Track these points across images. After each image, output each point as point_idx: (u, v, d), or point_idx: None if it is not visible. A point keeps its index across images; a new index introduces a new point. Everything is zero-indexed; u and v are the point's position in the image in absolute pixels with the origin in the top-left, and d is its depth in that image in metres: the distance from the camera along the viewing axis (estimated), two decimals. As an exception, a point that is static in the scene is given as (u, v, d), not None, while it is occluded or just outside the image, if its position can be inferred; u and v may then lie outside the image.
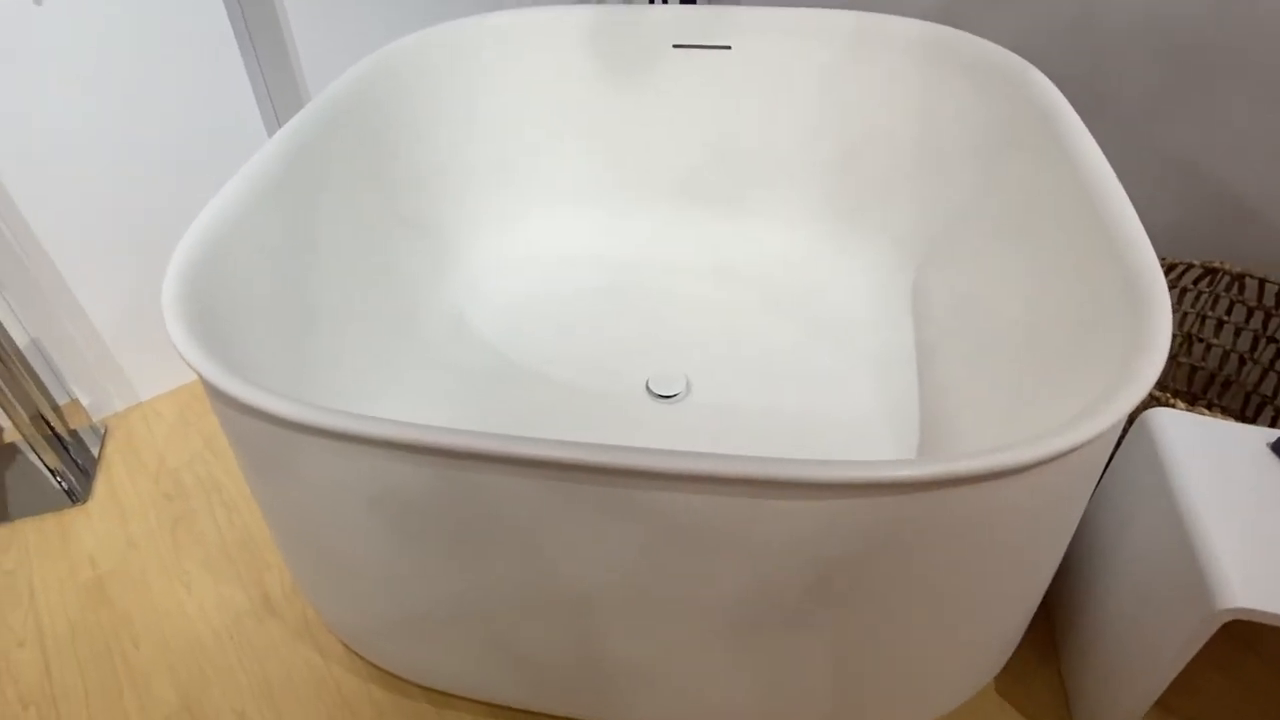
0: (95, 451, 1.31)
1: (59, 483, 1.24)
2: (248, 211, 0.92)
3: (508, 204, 1.45)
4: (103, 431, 1.34)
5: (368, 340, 1.15)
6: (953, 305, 1.14)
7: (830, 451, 1.08)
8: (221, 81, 1.22)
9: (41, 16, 1.05)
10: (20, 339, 1.32)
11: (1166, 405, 0.94)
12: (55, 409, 1.36)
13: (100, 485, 1.26)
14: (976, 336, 1.05)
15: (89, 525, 1.20)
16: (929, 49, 1.23)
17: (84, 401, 1.35)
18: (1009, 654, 0.91)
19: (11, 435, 1.35)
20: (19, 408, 1.17)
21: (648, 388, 1.20)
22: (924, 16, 1.39)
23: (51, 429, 1.28)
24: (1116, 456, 0.93)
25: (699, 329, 1.30)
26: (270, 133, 1.36)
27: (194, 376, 1.44)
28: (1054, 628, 1.00)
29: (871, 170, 1.33)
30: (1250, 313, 1.18)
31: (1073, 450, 0.61)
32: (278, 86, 1.39)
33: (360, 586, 0.83)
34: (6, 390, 1.15)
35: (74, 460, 1.28)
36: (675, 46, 1.35)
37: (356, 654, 1.02)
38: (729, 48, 1.33)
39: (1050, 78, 1.30)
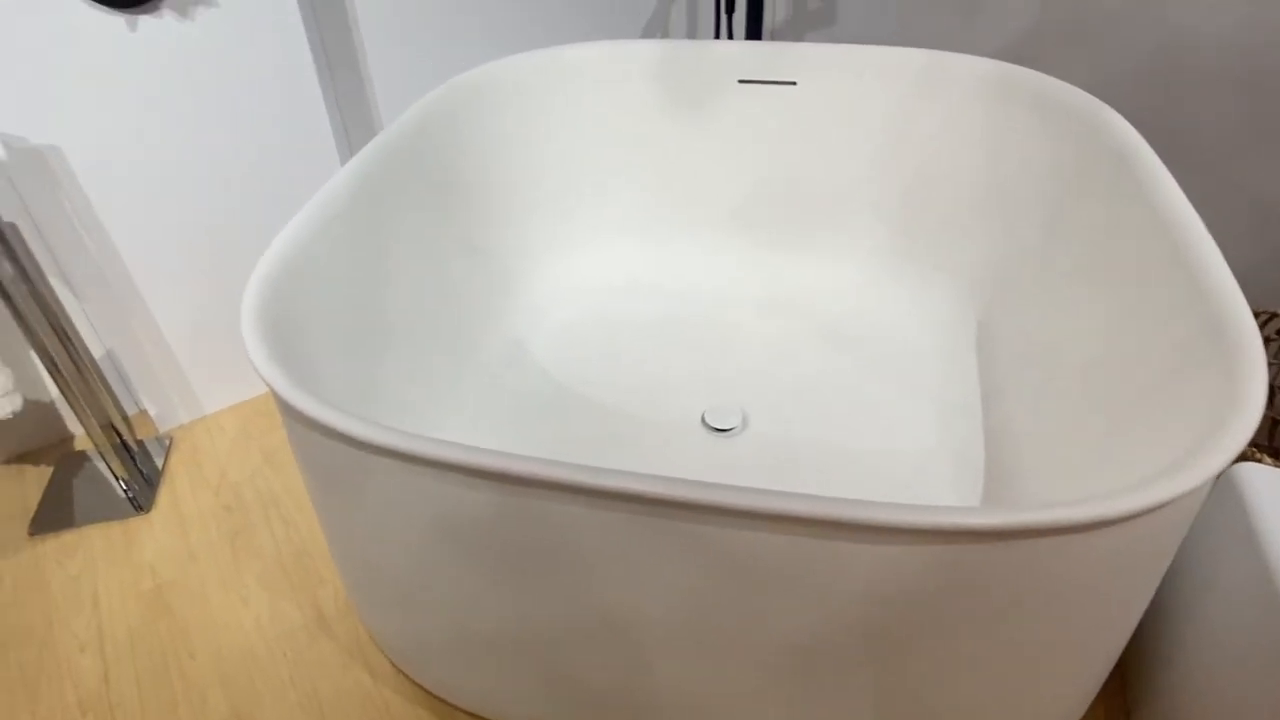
0: (160, 462, 1.34)
1: (125, 491, 1.28)
2: (321, 235, 0.95)
3: (568, 232, 1.46)
4: (168, 443, 1.38)
5: (429, 362, 1.17)
6: (1021, 348, 1.11)
7: (890, 492, 1.06)
8: (299, 109, 1.26)
9: (134, 40, 1.10)
10: (96, 350, 1.37)
11: (1253, 460, 0.90)
12: (125, 419, 1.40)
13: (163, 495, 1.29)
14: (1047, 382, 1.02)
15: (151, 535, 1.23)
16: (997, 87, 1.22)
17: (151, 413, 1.38)
18: (1079, 715, 0.87)
19: (83, 443, 1.39)
20: (92, 416, 1.21)
21: (703, 420, 1.19)
22: (993, 55, 1.38)
23: (120, 438, 1.32)
24: (1198, 513, 0.89)
25: (756, 362, 1.29)
26: (343, 159, 1.39)
27: (256, 392, 1.47)
28: (1129, 688, 0.95)
29: (936, 208, 1.32)
30: (1337, 365, 1.13)
31: (1156, 508, 0.58)
32: (352, 113, 1.43)
33: (415, 607, 0.83)
34: (82, 399, 1.19)
35: (140, 470, 1.31)
36: (741, 81, 1.35)
37: (406, 675, 1.02)
38: (794, 83, 1.33)
39: (1126, 116, 1.28)
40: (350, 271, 1.01)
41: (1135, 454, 0.78)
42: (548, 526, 0.67)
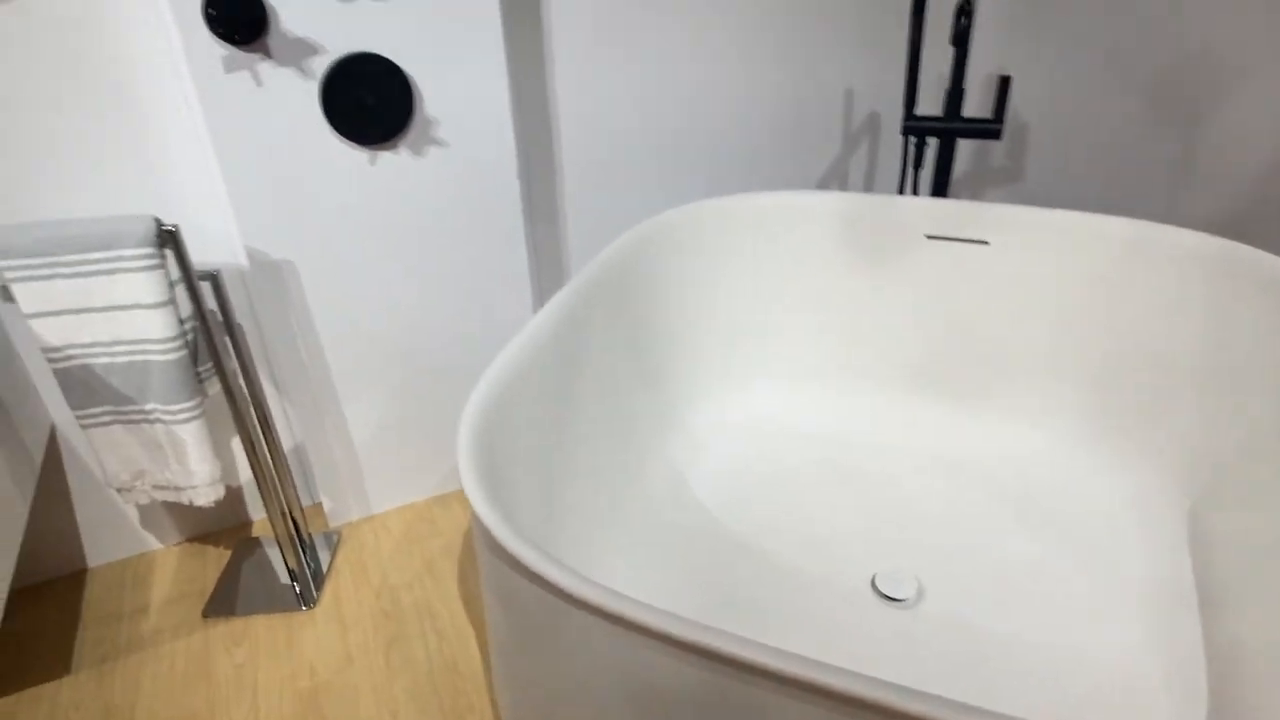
0: (327, 559, 1.39)
1: (293, 585, 1.32)
2: (525, 371, 0.98)
3: (740, 371, 1.47)
4: (336, 539, 1.43)
5: (598, 491, 1.17)
6: (1250, 552, 1.00)
7: (1092, 702, 0.95)
8: (503, 245, 1.34)
9: (372, 172, 1.21)
10: (287, 442, 1.46)
11: None
12: (301, 510, 1.47)
13: (328, 592, 1.33)
14: (1289, 597, 0.91)
15: (313, 631, 1.26)
16: (1217, 265, 1.16)
17: (326, 507, 1.45)
18: None
19: (260, 529, 1.47)
20: (275, 504, 1.28)
21: (874, 585, 1.13)
22: (1208, 226, 1.31)
23: (296, 530, 1.38)
24: None
25: (930, 526, 1.22)
26: (534, 293, 1.46)
27: (421, 496, 1.52)
28: None
29: (1142, 384, 1.24)
30: None
31: None
32: (545, 248, 1.51)
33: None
34: (270, 487, 1.26)
35: (308, 565, 1.36)
36: (928, 237, 1.35)
37: (549, 827, 0.97)
38: (986, 243, 1.31)
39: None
40: (543, 403, 1.04)
41: None
42: (744, 709, 0.63)
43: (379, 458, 1.45)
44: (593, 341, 1.16)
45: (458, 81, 1.19)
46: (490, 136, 1.24)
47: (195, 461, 1.15)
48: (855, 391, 1.45)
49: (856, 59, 1.59)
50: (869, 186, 1.73)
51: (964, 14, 1.14)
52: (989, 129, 1.35)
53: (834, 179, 1.69)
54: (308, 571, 1.35)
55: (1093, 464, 1.28)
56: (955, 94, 1.35)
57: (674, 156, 1.52)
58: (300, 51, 1.08)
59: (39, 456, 1.20)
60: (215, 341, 1.12)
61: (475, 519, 0.76)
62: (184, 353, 1.08)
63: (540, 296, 1.56)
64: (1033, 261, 1.29)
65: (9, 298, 1.13)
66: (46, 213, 1.14)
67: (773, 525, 1.23)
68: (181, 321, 1.08)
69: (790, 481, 1.32)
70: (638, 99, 1.44)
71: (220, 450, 1.40)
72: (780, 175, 1.63)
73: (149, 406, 1.10)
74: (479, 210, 1.30)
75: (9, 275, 1.00)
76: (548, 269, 1.54)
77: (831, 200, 1.39)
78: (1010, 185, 1.72)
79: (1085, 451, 1.29)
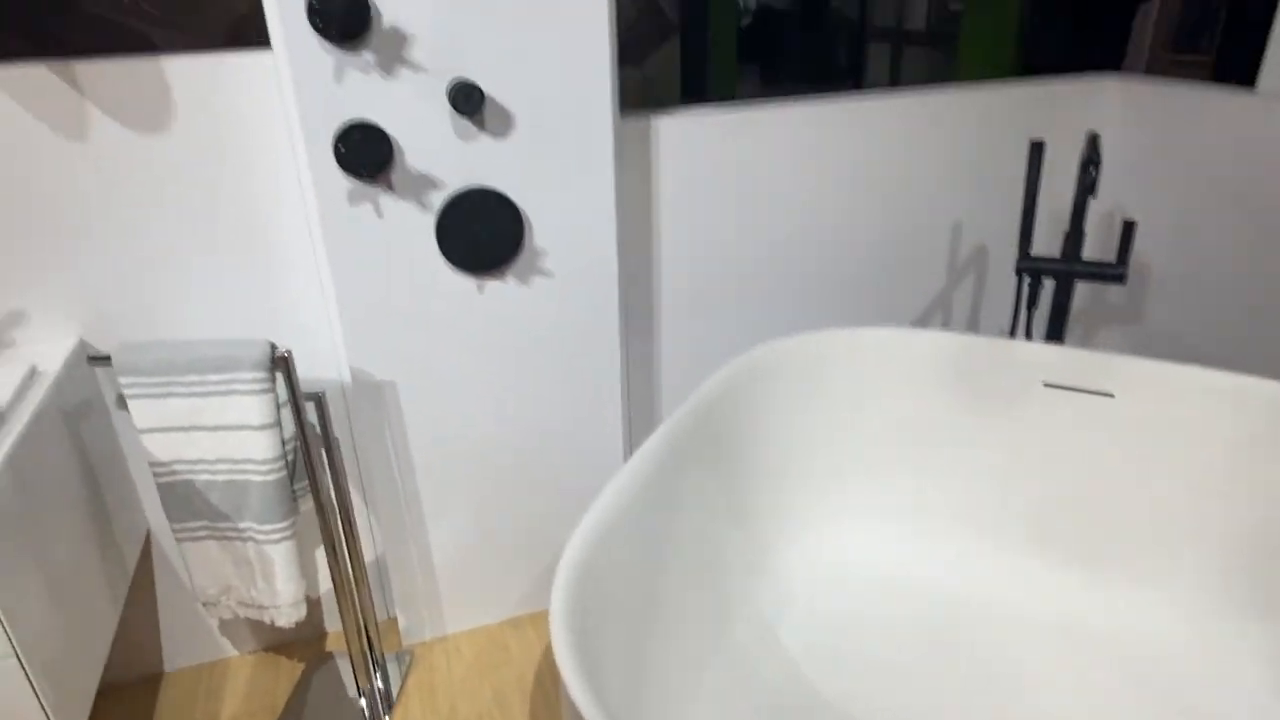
0: (398, 680, 1.35)
1: (363, 704, 1.28)
2: (618, 521, 0.95)
3: (836, 513, 1.39)
4: (408, 660, 1.39)
5: (686, 640, 1.11)
6: None
7: None
8: (598, 375, 1.33)
9: (478, 299, 1.22)
10: (369, 555, 1.45)
11: None
12: (376, 626, 1.44)
13: (397, 717, 1.28)
14: None
15: (379, 764, 1.21)
16: (1382, 439, 1.05)
17: (401, 623, 1.42)
18: None
19: (333, 641, 1.44)
20: (351, 621, 1.25)
21: (987, 775, 1.02)
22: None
23: (369, 646, 1.35)
24: None
25: (1044, 702, 1.10)
26: (625, 421, 1.43)
27: (494, 619, 1.48)
28: None
29: (1295, 565, 1.12)
30: None
31: None
32: (636, 374, 1.49)
33: None
34: (347, 603, 1.24)
35: (379, 685, 1.33)
36: (1046, 385, 1.27)
37: None
38: (1111, 395, 1.23)
39: None
40: (634, 552, 0.99)
41: None
42: None
43: (457, 577, 1.42)
44: (686, 482, 1.12)
45: (567, 215, 1.20)
46: (594, 268, 1.25)
47: (281, 581, 1.14)
48: (963, 543, 1.35)
49: (963, 191, 1.56)
50: (974, 321, 1.67)
51: (1092, 165, 1.10)
52: (1113, 274, 1.29)
53: (937, 312, 1.63)
54: (378, 693, 1.31)
55: (1243, 648, 1.15)
56: (1075, 236, 1.30)
57: (772, 286, 1.50)
58: (420, 185, 1.11)
59: (133, 563, 1.21)
60: (313, 460, 1.12)
61: (565, 692, 0.72)
62: (283, 474, 1.09)
63: (631, 422, 1.54)
64: (1166, 418, 1.20)
65: (122, 405, 1.17)
66: (163, 323, 1.18)
67: (867, 689, 1.14)
68: (284, 442, 1.09)
69: (887, 641, 1.23)
70: (739, 229, 1.44)
71: (304, 563, 1.39)
72: (881, 307, 1.59)
73: (243, 525, 1.10)
74: (577, 337, 1.29)
75: (128, 391, 1.03)
76: (639, 395, 1.52)
77: (942, 339, 1.33)
78: (1128, 325, 1.64)
79: (1234, 632, 1.16)
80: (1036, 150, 1.30)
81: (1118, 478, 1.25)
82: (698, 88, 1.37)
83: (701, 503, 1.15)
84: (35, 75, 1.01)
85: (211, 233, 1.15)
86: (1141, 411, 1.23)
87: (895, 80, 1.49)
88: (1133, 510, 1.25)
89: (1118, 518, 1.27)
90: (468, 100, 1.02)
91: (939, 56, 1.51)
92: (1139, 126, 1.55)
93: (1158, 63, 1.56)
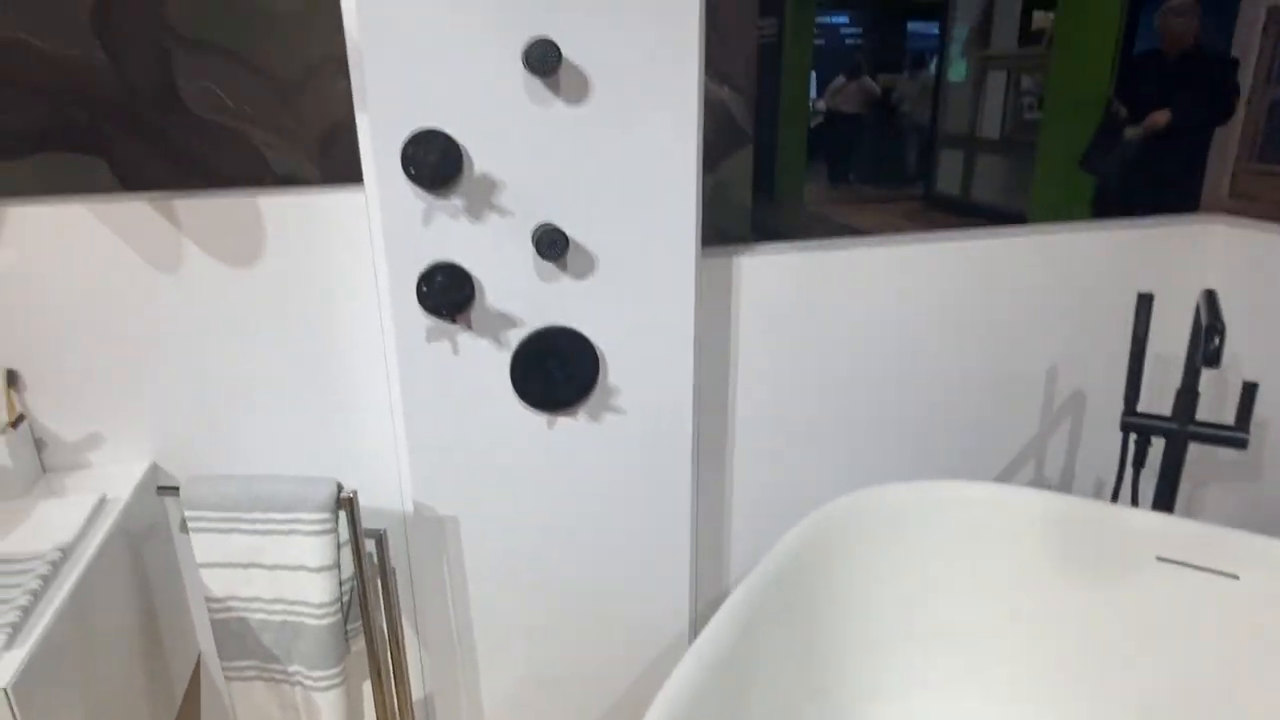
0: (438, 835, 1.26)
1: None
2: (691, 702, 0.87)
3: (926, 682, 1.28)
4: (450, 811, 1.30)
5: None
6: None
7: None
8: (666, 522, 1.27)
9: (547, 435, 1.18)
10: (417, 691, 1.38)
11: None
12: (419, 770, 1.36)
13: None
14: None
15: None
16: None
17: (444, 769, 1.34)
18: None
19: (374, 783, 1.37)
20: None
21: None
22: None
23: (410, 796, 1.27)
24: None
25: None
26: (691, 561, 1.36)
27: (544, 769, 1.38)
28: None
29: None
30: None
31: None
32: (704, 523, 1.43)
33: None
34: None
35: (419, 841, 1.24)
36: (1160, 559, 1.16)
37: None
38: (1236, 577, 1.11)
39: None
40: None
41: None
42: None
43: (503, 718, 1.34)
44: (761, 659, 1.04)
45: (644, 356, 1.17)
46: (668, 410, 1.20)
47: (327, 730, 1.08)
48: (1062, 729, 1.22)
49: (1059, 335, 1.47)
50: (1068, 472, 1.56)
51: (1216, 333, 1.02)
52: (1232, 439, 1.18)
53: (1028, 461, 1.53)
54: None
55: None
56: (1189, 398, 1.20)
57: (852, 432, 1.43)
58: (499, 324, 1.09)
59: (181, 690, 1.17)
60: (369, 599, 1.08)
61: None
62: (338, 618, 1.05)
63: (698, 565, 1.46)
64: (1299, 610, 1.08)
65: (185, 529, 1.15)
66: (234, 451, 1.17)
67: None
68: (340, 584, 1.05)
69: (981, 841, 1.09)
70: (819, 376, 1.38)
71: (352, 703, 1.33)
72: (968, 454, 1.49)
73: (293, 668, 1.06)
74: (647, 481, 1.24)
75: (193, 525, 1.01)
76: (707, 538, 1.44)
77: (1040, 500, 1.23)
78: (1241, 483, 1.51)
79: None
80: (1145, 303, 1.22)
81: (1246, 668, 1.11)
82: (768, 186, 1.37)
83: (776, 679, 1.06)
84: (137, 210, 1.03)
85: (286, 364, 1.15)
86: (1269, 591, 1.10)
87: (967, 190, 1.52)
88: (1254, 703, 1.11)
89: (1245, 709, 1.12)
90: (552, 246, 1.01)
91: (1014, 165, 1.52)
92: (1247, 271, 1.46)
93: (1243, 177, 1.51)
